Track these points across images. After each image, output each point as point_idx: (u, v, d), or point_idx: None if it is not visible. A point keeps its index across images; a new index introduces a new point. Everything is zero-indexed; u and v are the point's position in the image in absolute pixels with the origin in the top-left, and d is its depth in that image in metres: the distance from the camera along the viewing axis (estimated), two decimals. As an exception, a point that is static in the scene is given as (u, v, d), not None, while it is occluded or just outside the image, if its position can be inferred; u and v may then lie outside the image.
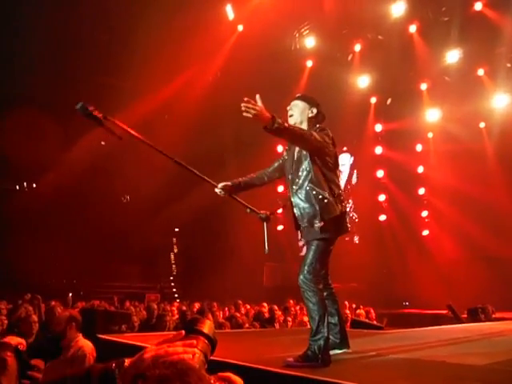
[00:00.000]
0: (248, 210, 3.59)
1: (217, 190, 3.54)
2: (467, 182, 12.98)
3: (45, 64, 12.57)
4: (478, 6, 11.77)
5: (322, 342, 3.04)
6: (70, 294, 12.18)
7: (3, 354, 2.34)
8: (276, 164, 3.62)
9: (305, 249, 3.41)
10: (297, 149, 3.35)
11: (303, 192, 3.23)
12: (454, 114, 13.73)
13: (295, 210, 3.31)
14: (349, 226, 3.38)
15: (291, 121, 3.34)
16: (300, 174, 3.26)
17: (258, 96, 2.91)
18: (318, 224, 3.16)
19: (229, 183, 3.55)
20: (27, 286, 10.75)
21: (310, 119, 3.37)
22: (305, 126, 3.34)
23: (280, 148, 15.93)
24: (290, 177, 3.37)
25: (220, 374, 1.01)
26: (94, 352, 3.99)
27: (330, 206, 3.18)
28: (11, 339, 2.82)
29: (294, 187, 3.30)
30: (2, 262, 12.54)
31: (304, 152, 3.25)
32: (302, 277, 3.16)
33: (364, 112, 15.33)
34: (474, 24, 11.97)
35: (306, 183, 3.22)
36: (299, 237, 3.48)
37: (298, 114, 3.37)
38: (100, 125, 2.79)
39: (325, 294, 3.29)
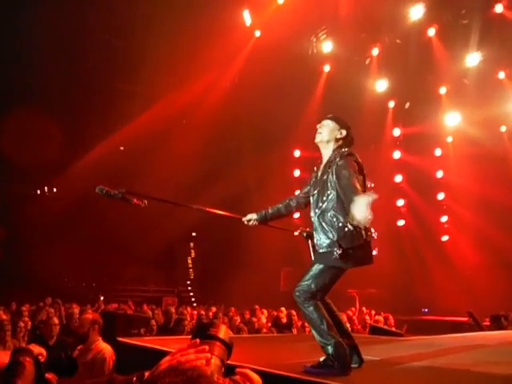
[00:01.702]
0: (297, 233, 3.59)
1: (245, 222, 3.71)
2: (488, 187, 12.74)
3: (61, 71, 12.74)
4: (499, 8, 11.55)
5: (332, 350, 3.00)
6: (102, 298, 12.35)
7: (23, 358, 2.38)
8: (306, 189, 3.55)
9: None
10: (321, 171, 3.33)
11: (325, 217, 3.18)
12: (474, 118, 13.49)
13: (314, 234, 3.25)
14: (372, 256, 3.21)
15: (317, 138, 3.39)
16: (324, 198, 3.21)
17: None
18: (336, 252, 3.06)
19: (254, 216, 3.65)
20: (47, 289, 10.91)
21: (337, 140, 3.36)
22: (331, 146, 3.35)
23: (297, 152, 15.90)
24: (311, 198, 3.35)
25: (238, 369, 1.00)
26: (114, 356, 4.02)
27: (351, 234, 3.07)
28: (33, 347, 2.87)
29: (316, 210, 3.26)
30: (24, 266, 12.75)
31: (330, 177, 3.20)
32: (296, 291, 3.15)
33: (382, 116, 15.17)
34: (494, 26, 11.77)
35: (329, 208, 3.17)
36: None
37: (326, 133, 3.37)
38: (123, 200, 3.05)
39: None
